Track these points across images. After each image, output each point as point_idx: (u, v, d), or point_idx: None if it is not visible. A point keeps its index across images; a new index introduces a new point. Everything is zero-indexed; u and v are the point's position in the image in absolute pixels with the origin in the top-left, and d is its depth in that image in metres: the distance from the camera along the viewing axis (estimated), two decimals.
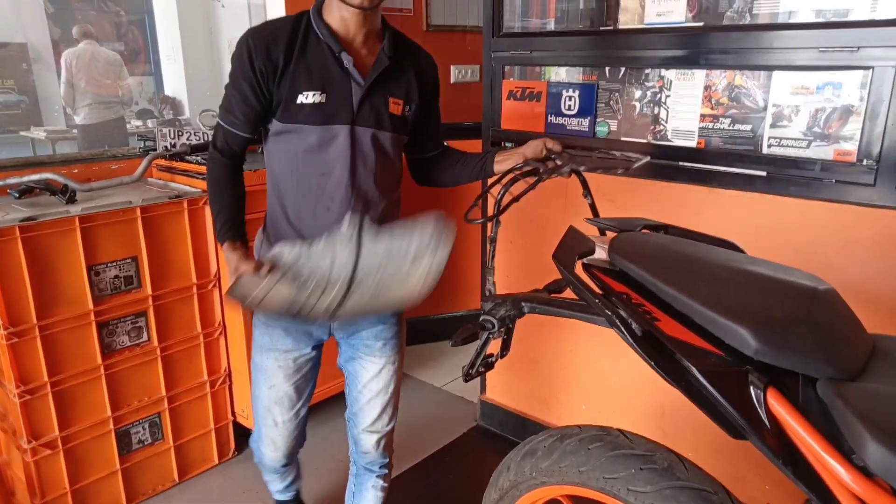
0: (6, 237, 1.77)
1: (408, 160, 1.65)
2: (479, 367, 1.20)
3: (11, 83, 6.06)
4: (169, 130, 2.42)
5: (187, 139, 2.44)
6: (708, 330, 0.87)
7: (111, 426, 2.08)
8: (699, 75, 1.84)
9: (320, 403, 2.54)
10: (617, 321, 0.93)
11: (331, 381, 2.55)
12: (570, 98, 2.14)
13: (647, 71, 1.94)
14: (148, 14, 6.07)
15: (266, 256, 1.40)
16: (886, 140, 1.54)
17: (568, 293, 1.17)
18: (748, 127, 1.77)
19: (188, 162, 2.35)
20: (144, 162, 2.21)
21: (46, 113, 6.09)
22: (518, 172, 1.44)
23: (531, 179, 1.46)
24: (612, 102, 2.04)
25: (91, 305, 1.96)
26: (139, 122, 5.50)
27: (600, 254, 1.07)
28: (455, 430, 2.61)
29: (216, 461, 2.39)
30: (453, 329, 1.17)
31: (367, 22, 1.40)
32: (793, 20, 1.67)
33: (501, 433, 2.58)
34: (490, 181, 1.59)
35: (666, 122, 1.93)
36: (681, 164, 1.90)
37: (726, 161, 1.81)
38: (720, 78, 1.80)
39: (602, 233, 1.26)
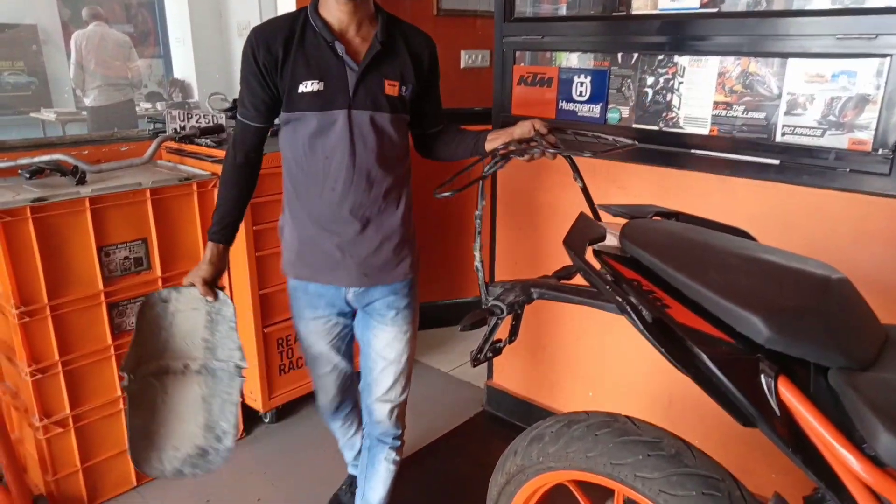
0: (18, 217, 1.78)
1: (412, 135, 1.69)
2: (488, 353, 1.20)
3: (21, 65, 6.07)
4: (178, 113, 2.43)
5: (196, 122, 2.44)
6: (719, 318, 0.86)
7: (121, 406, 2.10)
8: (713, 62, 1.82)
9: None
10: (628, 308, 0.93)
11: None
12: (581, 84, 2.13)
13: (659, 57, 1.92)
14: None
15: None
16: None
17: (577, 279, 1.16)
18: (762, 115, 1.75)
19: (197, 144, 2.35)
20: (154, 144, 2.22)
21: (56, 94, 6.11)
22: (502, 152, 1.44)
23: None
24: (623, 89, 2.02)
25: (101, 286, 1.98)
26: (148, 105, 5.51)
27: (611, 240, 1.07)
28: (462, 414, 2.63)
29: None
30: (460, 314, 1.17)
31: (358, 11, 1.49)
32: (808, 6, 1.65)
33: (508, 418, 2.59)
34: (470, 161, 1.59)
35: (678, 108, 1.91)
36: (692, 151, 1.88)
37: (739, 149, 1.80)
38: (734, 65, 1.78)
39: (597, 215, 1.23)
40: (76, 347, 1.97)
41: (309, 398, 2.64)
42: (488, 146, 1.60)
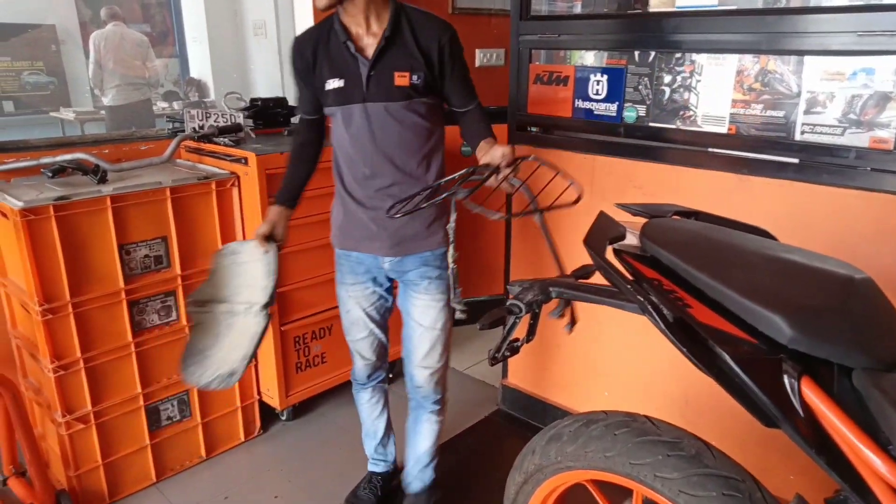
0: (41, 216, 1.81)
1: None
2: (506, 351, 1.21)
3: (41, 64, 6.14)
4: (197, 112, 2.45)
5: (215, 121, 2.46)
6: (741, 317, 0.86)
7: (141, 402, 2.13)
8: (731, 60, 1.81)
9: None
10: (649, 307, 0.93)
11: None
12: (597, 82, 2.12)
13: (677, 55, 1.91)
14: None
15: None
16: None
17: (595, 279, 1.16)
18: (781, 113, 1.74)
19: (216, 143, 2.37)
20: (173, 143, 2.24)
21: (75, 94, 6.17)
22: (462, 176, 1.46)
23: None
24: (640, 87, 2.01)
25: (122, 284, 2.00)
26: (165, 104, 5.55)
27: (631, 239, 1.07)
28: (477, 413, 2.63)
29: (242, 439, 2.44)
30: (475, 313, 1.18)
31: (363, 12, 1.61)
32: (826, 3, 1.63)
33: (523, 417, 2.59)
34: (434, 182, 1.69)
35: (696, 107, 1.90)
36: (710, 150, 1.87)
37: (757, 147, 1.79)
38: (753, 63, 1.77)
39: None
40: (97, 344, 1.99)
41: (325, 396, 2.66)
42: (477, 154, 1.66)
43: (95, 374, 2.01)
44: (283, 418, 2.56)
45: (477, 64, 3.28)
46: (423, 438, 1.97)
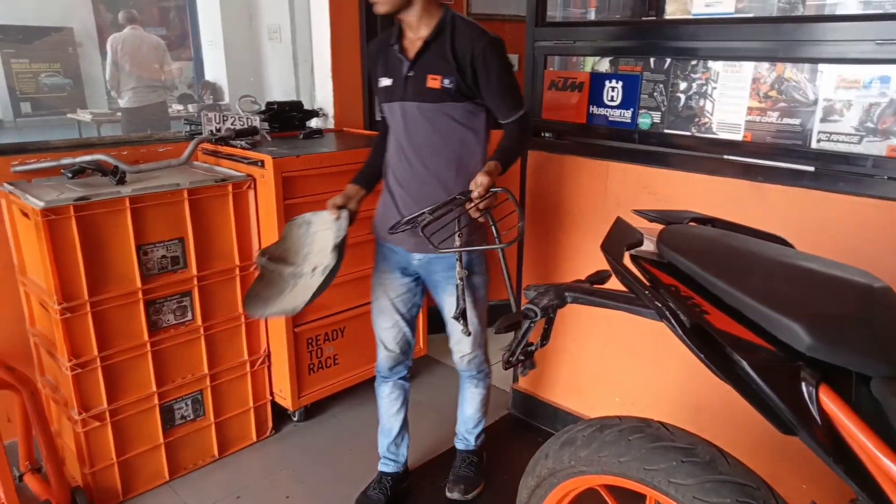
0: (61, 216, 1.84)
1: None
2: (520, 356, 1.21)
3: (58, 66, 6.23)
4: (214, 115, 2.47)
5: (232, 124, 2.48)
6: (759, 324, 0.86)
7: (156, 401, 2.15)
8: (747, 67, 1.81)
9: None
10: (667, 313, 0.93)
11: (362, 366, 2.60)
12: (612, 89, 2.13)
13: (693, 62, 1.91)
14: (190, 0, 6.17)
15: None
16: None
17: (610, 284, 1.17)
18: (797, 121, 1.74)
19: (233, 146, 2.40)
20: (191, 145, 2.27)
21: (91, 96, 6.25)
22: (446, 203, 1.60)
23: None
24: (655, 94, 2.02)
25: (139, 284, 2.03)
26: (180, 107, 5.61)
27: (648, 246, 1.07)
28: (487, 418, 2.62)
29: (254, 439, 2.45)
30: (489, 318, 1.19)
31: (417, 18, 1.72)
32: (842, 12, 1.63)
33: (533, 422, 2.59)
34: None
35: (711, 114, 1.90)
36: (725, 157, 1.87)
37: (773, 155, 1.78)
38: (769, 71, 1.77)
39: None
40: (114, 343, 2.02)
41: (337, 398, 2.68)
42: None
43: (112, 372, 2.03)
44: (295, 419, 2.58)
45: None
46: (468, 404, 2.16)
